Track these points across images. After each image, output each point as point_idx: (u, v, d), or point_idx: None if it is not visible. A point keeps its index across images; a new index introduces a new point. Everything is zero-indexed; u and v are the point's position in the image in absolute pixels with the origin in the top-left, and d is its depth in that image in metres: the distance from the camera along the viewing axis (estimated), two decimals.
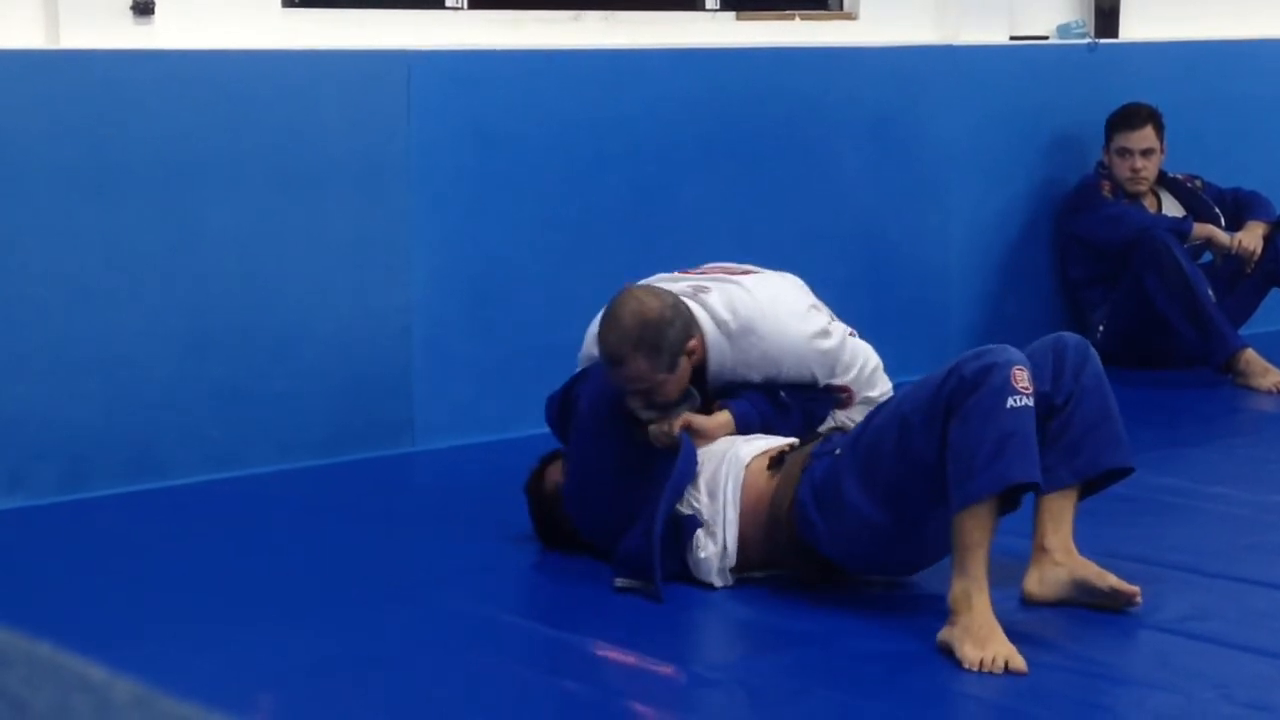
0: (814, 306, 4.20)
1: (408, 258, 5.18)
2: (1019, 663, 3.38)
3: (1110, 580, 3.73)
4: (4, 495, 4.59)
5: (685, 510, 3.87)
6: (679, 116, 5.68)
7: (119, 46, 4.80)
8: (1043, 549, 3.78)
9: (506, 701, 3.40)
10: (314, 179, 5.02)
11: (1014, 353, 3.58)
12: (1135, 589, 3.73)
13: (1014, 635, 3.54)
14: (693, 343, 3.99)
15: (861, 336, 4.27)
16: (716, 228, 5.68)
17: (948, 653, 3.44)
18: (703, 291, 4.11)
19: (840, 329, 4.19)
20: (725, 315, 4.06)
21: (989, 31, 6.60)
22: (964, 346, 6.38)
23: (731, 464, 3.89)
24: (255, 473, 4.90)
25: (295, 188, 4.99)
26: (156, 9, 4.89)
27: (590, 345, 4.14)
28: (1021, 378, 3.51)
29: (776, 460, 3.86)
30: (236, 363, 4.91)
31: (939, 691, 3.37)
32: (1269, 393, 6.02)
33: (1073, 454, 3.76)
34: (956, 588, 3.49)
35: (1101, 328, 6.45)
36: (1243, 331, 6.32)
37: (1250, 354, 6.11)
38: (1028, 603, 3.76)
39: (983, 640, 3.41)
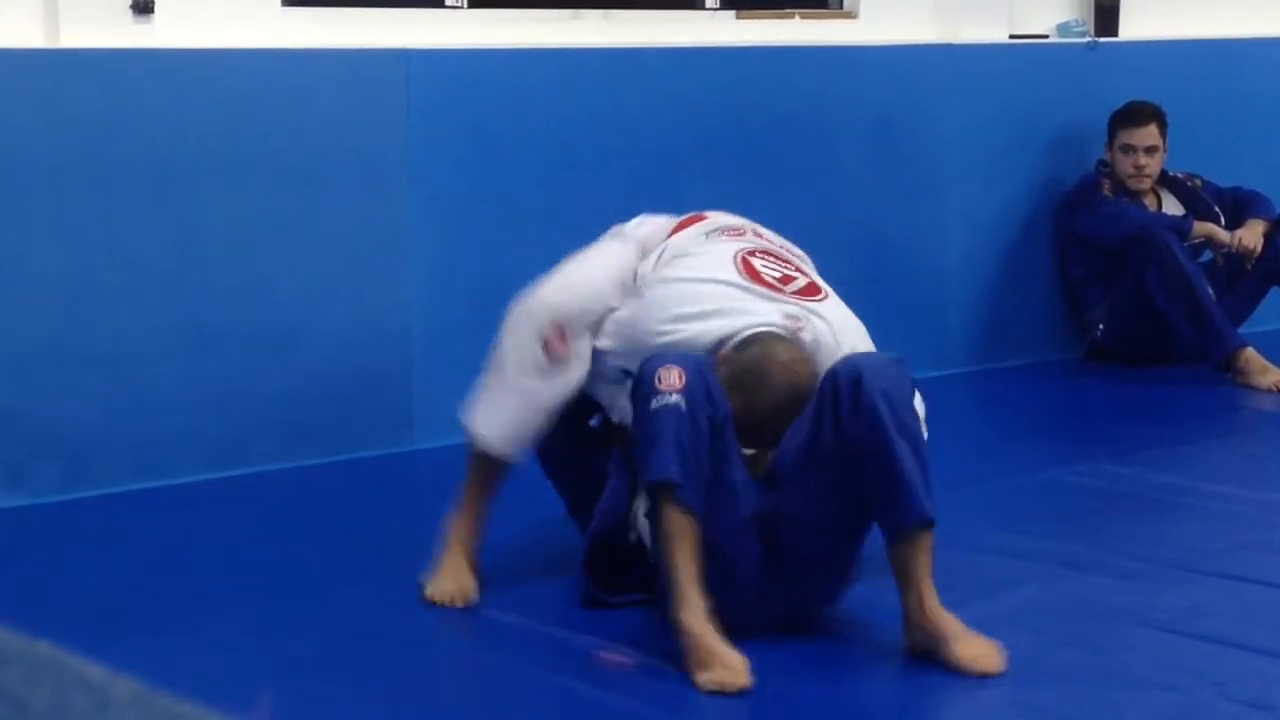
0: None
1: (407, 256, 5.19)
2: (744, 681, 3.26)
3: (956, 657, 3.37)
4: (4, 493, 4.59)
5: (634, 536, 3.76)
6: (678, 115, 5.68)
7: (118, 45, 4.80)
8: (904, 606, 3.47)
9: (506, 701, 3.40)
10: (313, 178, 5.02)
11: (675, 355, 3.48)
12: (989, 670, 3.36)
13: (1010, 632, 3.53)
14: None
15: None
16: None
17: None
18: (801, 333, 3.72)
19: None
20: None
21: (989, 30, 6.60)
22: (964, 345, 6.43)
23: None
24: (255, 471, 4.91)
25: (295, 186, 4.99)
26: (156, 8, 4.88)
27: (648, 337, 3.72)
28: (667, 376, 3.39)
29: None
30: (236, 361, 4.91)
31: (935, 688, 3.37)
32: (1269, 391, 6.02)
33: (883, 508, 3.45)
34: (674, 609, 3.36)
35: (1101, 326, 6.46)
36: (1242, 330, 6.32)
37: (1250, 352, 6.12)
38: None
39: (706, 664, 3.29)
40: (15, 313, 4.61)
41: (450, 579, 3.80)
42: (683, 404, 3.37)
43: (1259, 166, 7.03)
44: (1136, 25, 7.09)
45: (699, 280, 3.77)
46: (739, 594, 3.52)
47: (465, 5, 5.59)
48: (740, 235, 4.00)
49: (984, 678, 3.34)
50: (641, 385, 3.44)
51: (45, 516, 4.52)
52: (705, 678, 3.28)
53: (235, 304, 4.91)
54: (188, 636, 3.65)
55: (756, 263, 3.83)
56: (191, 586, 3.98)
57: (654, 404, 3.38)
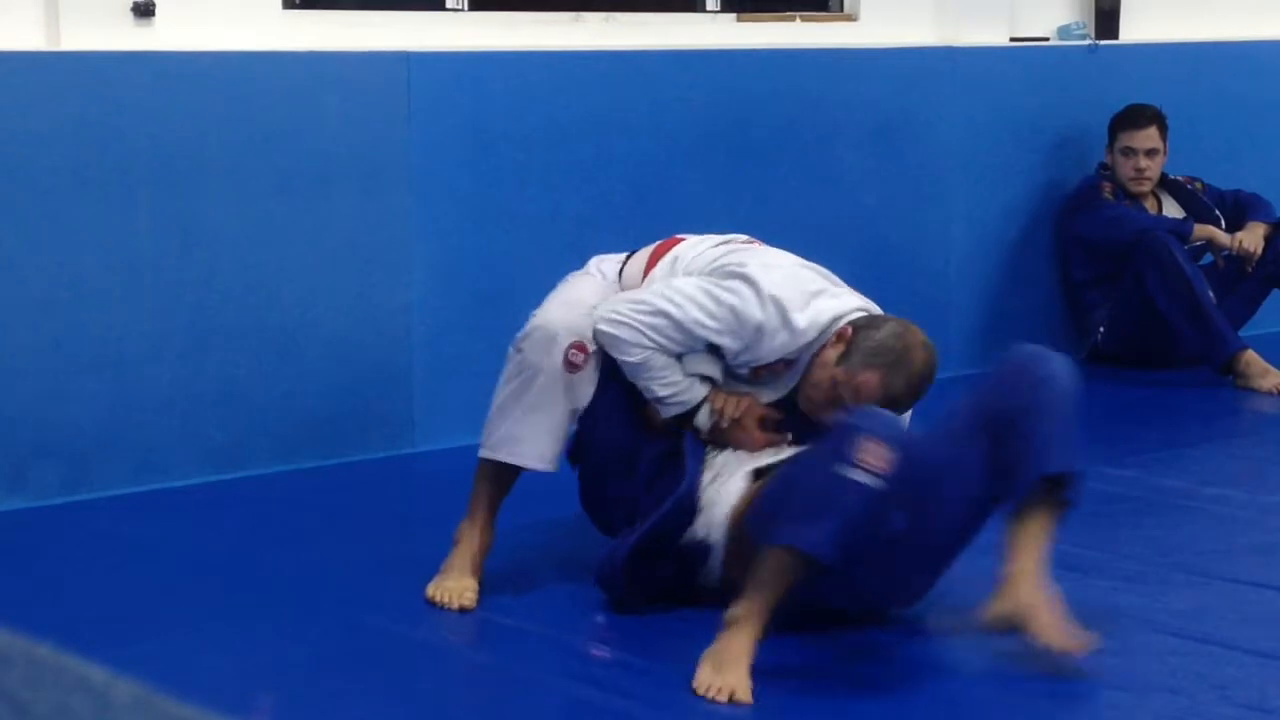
0: None
1: (408, 258, 5.19)
2: (743, 696, 3.24)
3: (1045, 639, 3.36)
4: (5, 495, 4.59)
5: (700, 534, 3.73)
6: (679, 118, 5.68)
7: (119, 48, 4.80)
8: (1004, 574, 3.46)
9: (506, 703, 3.40)
10: (314, 180, 5.02)
11: (880, 420, 3.33)
12: (1073, 648, 3.36)
13: (1010, 634, 3.53)
14: None
15: None
16: (716, 229, 5.66)
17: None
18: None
19: None
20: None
21: (989, 33, 6.60)
22: (964, 347, 6.42)
23: (720, 508, 3.71)
24: (256, 473, 4.91)
25: (296, 189, 4.99)
26: (157, 10, 4.89)
27: (753, 316, 3.77)
28: (873, 451, 3.21)
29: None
30: (237, 363, 4.91)
31: (937, 690, 3.37)
32: (1269, 394, 6.02)
33: (1013, 473, 3.44)
34: (738, 607, 3.33)
35: (1102, 329, 6.46)
36: (1243, 332, 6.32)
37: (1250, 355, 6.12)
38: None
39: (720, 666, 3.28)
40: (16, 315, 4.61)
41: (452, 580, 3.84)
42: (880, 488, 3.23)
43: (1259, 169, 7.03)
44: (1137, 28, 7.09)
45: (796, 265, 3.95)
46: (853, 604, 3.62)
47: (466, 7, 5.60)
48: (760, 245, 4.11)
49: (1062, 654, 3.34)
50: (835, 442, 3.28)
51: (46, 519, 4.52)
52: (710, 680, 3.27)
53: (236, 307, 4.91)
54: (189, 639, 3.65)
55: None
56: (192, 589, 3.99)
57: (845, 472, 3.21)
